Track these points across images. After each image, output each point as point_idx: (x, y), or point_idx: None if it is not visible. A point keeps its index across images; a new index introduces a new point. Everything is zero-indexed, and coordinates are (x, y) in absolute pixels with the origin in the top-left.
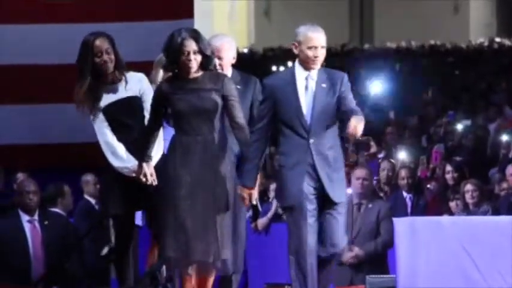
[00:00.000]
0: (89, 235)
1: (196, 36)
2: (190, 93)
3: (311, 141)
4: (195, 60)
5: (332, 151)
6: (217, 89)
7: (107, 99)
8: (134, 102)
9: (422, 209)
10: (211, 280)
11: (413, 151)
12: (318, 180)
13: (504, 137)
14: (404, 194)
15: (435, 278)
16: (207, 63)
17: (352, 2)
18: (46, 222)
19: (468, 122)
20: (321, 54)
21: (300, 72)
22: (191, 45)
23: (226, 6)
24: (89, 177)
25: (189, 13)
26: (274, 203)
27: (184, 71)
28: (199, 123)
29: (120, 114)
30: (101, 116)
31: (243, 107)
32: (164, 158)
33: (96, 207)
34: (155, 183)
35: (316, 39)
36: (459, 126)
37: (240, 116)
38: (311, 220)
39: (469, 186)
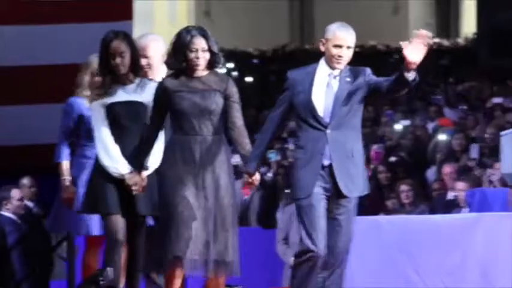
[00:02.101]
0: (28, 237)
1: (205, 34)
2: (195, 93)
3: (328, 131)
4: (204, 58)
5: (351, 143)
6: (221, 91)
7: (114, 97)
8: (140, 108)
9: (359, 208)
10: (222, 281)
11: None
12: (331, 174)
13: (442, 137)
14: None
15: (373, 277)
16: (214, 61)
17: (292, 3)
18: None
19: (407, 122)
20: (346, 54)
21: (322, 68)
22: (200, 43)
23: (167, 8)
24: (25, 181)
25: (128, 15)
26: None
27: (191, 69)
28: (200, 123)
29: (122, 115)
30: (102, 113)
31: None
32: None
33: (35, 210)
34: (140, 193)
35: (343, 39)
36: (398, 126)
37: (238, 117)
38: (322, 217)
39: (403, 187)
